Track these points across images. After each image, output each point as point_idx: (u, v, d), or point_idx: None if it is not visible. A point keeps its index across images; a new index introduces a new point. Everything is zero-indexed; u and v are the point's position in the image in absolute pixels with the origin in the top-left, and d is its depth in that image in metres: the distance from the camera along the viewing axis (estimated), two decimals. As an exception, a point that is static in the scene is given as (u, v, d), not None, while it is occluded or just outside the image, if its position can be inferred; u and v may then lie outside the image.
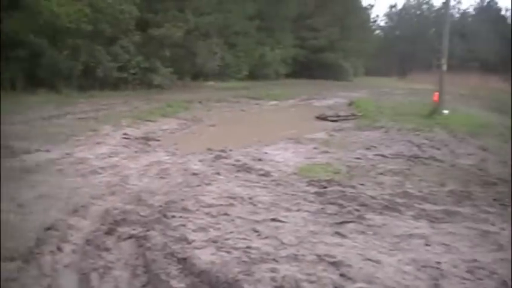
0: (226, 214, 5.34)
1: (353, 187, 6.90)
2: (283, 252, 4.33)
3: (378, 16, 76.97)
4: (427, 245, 4.80)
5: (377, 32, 62.59)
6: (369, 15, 52.24)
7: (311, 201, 6.09)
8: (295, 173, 7.59)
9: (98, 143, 9.01)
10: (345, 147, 10.23)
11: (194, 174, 7.20)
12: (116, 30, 17.14)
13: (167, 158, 8.38)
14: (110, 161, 7.66)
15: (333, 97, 23.32)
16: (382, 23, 64.99)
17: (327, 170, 7.90)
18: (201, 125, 12.67)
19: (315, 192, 6.48)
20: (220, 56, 23.48)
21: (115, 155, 8.13)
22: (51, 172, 6.68)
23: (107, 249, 4.17)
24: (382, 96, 24.89)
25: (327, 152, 9.62)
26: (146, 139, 9.97)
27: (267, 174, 7.37)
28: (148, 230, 4.51)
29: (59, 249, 4.12)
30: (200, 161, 8.27)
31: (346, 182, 7.19)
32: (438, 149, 10.65)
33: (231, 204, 5.71)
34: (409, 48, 59.28)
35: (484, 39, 55.02)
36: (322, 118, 15.16)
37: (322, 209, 5.82)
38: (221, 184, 6.71)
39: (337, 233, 4.97)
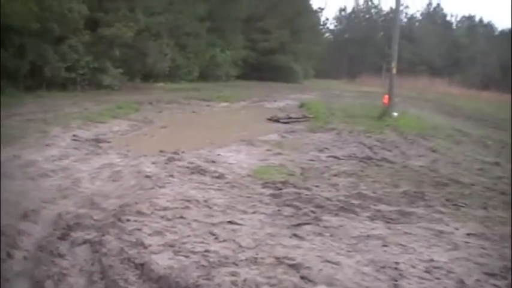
0: (182, 217, 5.27)
1: (308, 189, 6.96)
2: (242, 255, 4.31)
3: (327, 19, 78.23)
4: (384, 245, 4.88)
5: (327, 35, 63.32)
6: (319, 18, 52.84)
7: (267, 204, 6.09)
8: (249, 175, 7.59)
9: (48, 145, 8.73)
10: (297, 149, 10.31)
11: (147, 176, 7.09)
12: (64, 29, 16.64)
13: (119, 160, 8.22)
14: (60, 164, 7.43)
15: (284, 99, 23.43)
16: (331, 26, 65.85)
17: (281, 172, 7.94)
18: (152, 126, 12.49)
19: (271, 194, 6.50)
20: (170, 57, 23.24)
21: (65, 158, 7.91)
22: (-3, 175, 6.43)
23: (61, 255, 4.03)
24: (332, 99, 25.23)
25: (280, 153, 9.67)
26: (97, 141, 9.75)
27: (221, 176, 7.34)
28: (103, 235, 4.39)
29: (9, 256, 3.95)
30: (153, 163, 8.14)
31: (301, 184, 7.24)
32: (389, 150, 10.90)
33: (187, 207, 5.64)
34: (358, 51, 60.35)
35: (430, 44, 56.64)
36: (274, 120, 15.22)
37: (278, 211, 5.83)
38: (175, 187, 6.62)
39: (295, 235, 4.99)
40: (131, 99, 16.44)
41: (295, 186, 7.02)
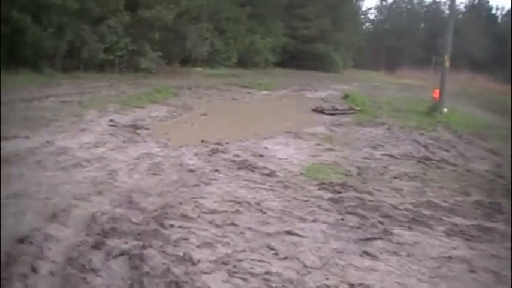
0: (233, 224, 4.55)
1: (370, 193, 6.16)
2: (309, 279, 3.58)
3: (368, 9, 76.42)
4: (472, 271, 4.08)
5: (367, 25, 61.87)
6: (359, 7, 51.54)
7: (327, 210, 5.32)
8: (302, 174, 6.82)
9: (82, 130, 8.09)
10: (349, 145, 9.52)
11: (190, 170, 6.38)
12: (104, 10, 16.03)
13: (159, 150, 7.54)
14: (95, 152, 6.77)
15: (325, 89, 22.58)
16: (371, 16, 64.28)
17: (336, 171, 7.16)
18: (192, 113, 11.80)
19: (330, 199, 5.71)
20: (210, 41, 22.52)
21: (101, 145, 7.25)
22: (29, 164, 5.77)
23: (94, 270, 3.34)
24: (375, 91, 24.26)
25: (331, 149, 8.89)
26: (135, 127, 9.08)
27: (271, 173, 6.58)
28: (144, 247, 3.68)
29: (34, 270, 3.26)
30: (195, 154, 7.45)
31: (360, 186, 6.45)
32: (447, 150, 10.06)
33: (237, 211, 4.91)
34: (397, 43, 58.87)
35: (473, 37, 54.78)
36: (319, 111, 14.39)
37: (341, 220, 5.07)
38: (222, 184, 5.90)
39: (366, 253, 4.23)
40: (169, 84, 15.78)
41: (355, 190, 6.22)
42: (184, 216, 4.54)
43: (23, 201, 4.46)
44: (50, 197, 4.65)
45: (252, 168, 6.81)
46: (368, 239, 4.60)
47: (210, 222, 4.52)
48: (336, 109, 14.58)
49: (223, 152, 7.73)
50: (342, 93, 20.55)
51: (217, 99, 14.98)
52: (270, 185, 6.04)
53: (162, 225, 4.23)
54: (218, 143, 8.43)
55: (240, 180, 6.17)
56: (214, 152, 7.70)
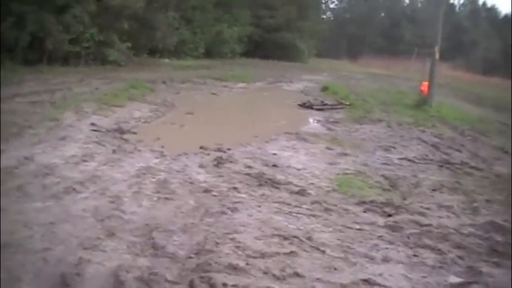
0: (296, 274, 3.48)
1: (422, 214, 5.22)
2: None
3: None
4: None
5: (328, 13, 61.30)
6: (321, -4, 50.79)
7: (391, 243, 4.33)
8: (334, 189, 5.81)
9: (63, 139, 6.79)
10: (359, 147, 8.60)
11: (206, 191, 5.27)
12: (69, -3, 14.51)
13: (157, 161, 6.37)
14: (86, 169, 5.54)
15: (300, 80, 21.68)
16: (332, 5, 63.68)
17: (368, 184, 6.21)
18: (175, 111, 10.60)
19: (386, 226, 4.73)
20: (180, 31, 21.17)
21: (90, 159, 6.01)
22: (9, 192, 4.48)
23: None
24: (348, 81, 23.44)
25: (344, 154, 7.93)
26: (120, 132, 7.86)
27: (301, 192, 5.52)
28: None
29: None
30: (201, 166, 6.33)
31: (405, 204, 5.50)
32: (458, 150, 9.33)
33: (292, 253, 3.83)
34: (358, 31, 58.68)
35: (434, 26, 54.66)
36: (307, 106, 13.38)
37: (414, 256, 4.06)
38: (251, 210, 4.83)
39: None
40: (141, 77, 14.43)
41: (405, 210, 5.27)
42: (232, 268, 3.44)
43: (12, 258, 3.22)
44: (49, 248, 3.43)
45: (274, 184, 5.73)
46: (461, 285, 3.60)
47: (266, 273, 3.45)
48: (325, 104, 13.62)
49: (231, 162, 6.63)
50: (320, 85, 19.67)
51: (196, 94, 13.80)
52: (307, 208, 4.99)
53: (212, 286, 3.08)
54: (219, 149, 7.36)
55: (269, 202, 5.09)
56: (220, 161, 6.58)
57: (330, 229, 4.49)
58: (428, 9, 59.10)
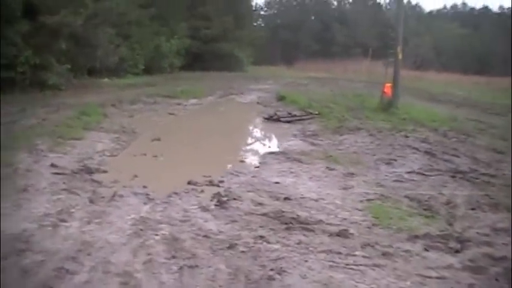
0: None
1: (488, 244, 4.48)
2: None
3: (258, 5, 75.29)
4: None
5: (259, 21, 60.78)
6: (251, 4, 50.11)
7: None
8: (374, 224, 4.88)
9: (25, 191, 5.44)
10: (359, 163, 7.78)
11: (231, 246, 4.17)
12: (-2, 17, 12.84)
13: (147, 208, 5.21)
14: (70, 234, 4.30)
15: (250, 91, 20.74)
16: (262, 12, 63.22)
17: (404, 212, 5.41)
18: (140, 139, 9.36)
19: (465, 267, 3.90)
20: (121, 48, 19.69)
21: (68, 216, 4.75)
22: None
23: None
24: (297, 88, 22.61)
25: (350, 174, 7.07)
26: (88, 171, 6.57)
27: (342, 233, 4.55)
28: None
29: None
30: (203, 209, 5.23)
31: (459, 233, 4.67)
32: (456, 156, 8.75)
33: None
34: (291, 36, 58.39)
35: (363, 26, 55.66)
36: (275, 119, 12.40)
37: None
38: (300, 267, 3.88)
39: None
40: (88, 101, 12.99)
41: (468, 241, 4.40)
42: None
43: None
44: None
45: (303, 225, 4.73)
46: None
47: None
48: (293, 115, 12.66)
49: (234, 199, 5.58)
50: (272, 94, 18.83)
51: (152, 116, 12.55)
52: (363, 256, 4.05)
53: None
54: (211, 183, 6.35)
55: (314, 253, 4.10)
56: (221, 201, 5.53)
57: (408, 283, 3.54)
58: (357, 10, 59.86)
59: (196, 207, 5.28)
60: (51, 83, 14.47)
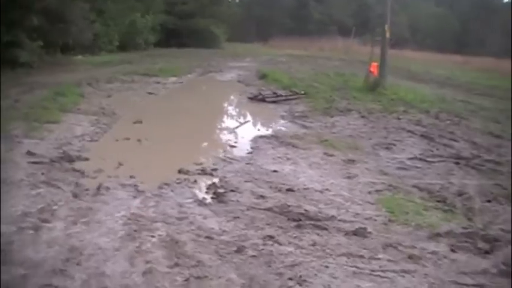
0: None
1: None
2: None
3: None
4: None
5: (233, -4, 59.55)
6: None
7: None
8: (390, 220, 4.47)
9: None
10: (357, 148, 7.43)
11: (239, 250, 3.70)
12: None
13: (137, 202, 4.70)
14: (54, 238, 3.76)
15: (229, 68, 20.11)
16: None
17: (419, 205, 5.02)
18: (120, 121, 8.75)
19: (501, 272, 3.54)
20: (95, 24, 18.81)
21: (50, 216, 4.20)
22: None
23: None
24: (277, 66, 22.02)
25: (351, 161, 6.70)
26: (68, 159, 5.99)
27: (359, 232, 4.13)
28: None
29: None
30: (200, 204, 4.76)
31: (484, 231, 4.37)
32: (454, 140, 8.53)
33: None
34: (266, 13, 57.53)
35: (339, 4, 55.20)
36: (260, 99, 11.89)
37: None
38: (321, 274, 3.47)
39: None
40: (63, 81, 12.25)
41: (496, 241, 4.06)
42: None
43: None
44: None
45: (314, 222, 4.29)
46: None
47: None
48: (279, 95, 12.15)
49: (232, 191, 5.14)
50: (252, 72, 18.28)
51: (131, 95, 11.89)
52: (388, 260, 3.63)
53: None
54: (203, 171, 5.86)
55: (333, 256, 3.65)
56: (218, 193, 5.05)
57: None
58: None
59: (191, 200, 4.79)
60: (22, 60, 13.61)
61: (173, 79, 15.54)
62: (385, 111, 10.69)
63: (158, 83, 14.44)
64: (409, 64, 27.76)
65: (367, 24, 55.56)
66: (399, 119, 10.04)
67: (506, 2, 55.47)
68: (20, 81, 11.53)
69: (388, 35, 14.07)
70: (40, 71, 13.96)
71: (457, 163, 6.82)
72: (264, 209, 4.54)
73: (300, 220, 4.29)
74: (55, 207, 4.37)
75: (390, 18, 14.53)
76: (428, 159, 6.97)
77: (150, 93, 12.47)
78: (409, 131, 8.85)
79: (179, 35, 32.33)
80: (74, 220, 4.08)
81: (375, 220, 4.38)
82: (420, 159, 6.94)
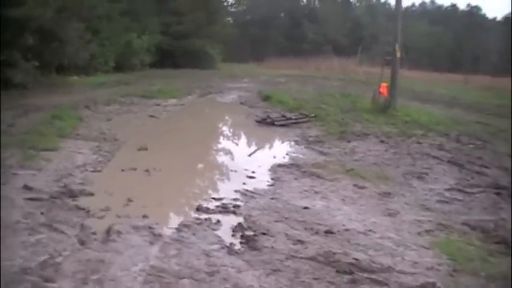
0: None
1: None
2: None
3: (227, 0, 73.72)
4: None
5: (229, 18, 59.30)
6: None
7: None
8: (455, 269, 3.89)
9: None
10: (387, 178, 6.77)
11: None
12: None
13: (156, 251, 4.05)
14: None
15: (228, 90, 19.55)
16: (231, 9, 61.72)
17: (479, 248, 4.39)
18: (124, 148, 8.07)
19: None
20: (93, 44, 18.16)
21: (54, 272, 3.49)
22: None
23: None
24: (277, 86, 21.50)
25: (386, 194, 6.05)
26: (70, 195, 5.30)
27: (426, 287, 3.33)
28: None
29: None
30: (229, 251, 4.14)
31: None
32: (485, 166, 7.91)
33: None
34: (261, 33, 57.37)
35: (334, 24, 55.10)
36: (269, 123, 11.22)
37: None
38: None
39: None
40: (59, 103, 11.57)
41: None
42: None
43: None
44: None
45: (372, 277, 3.60)
46: None
47: None
48: (289, 118, 11.51)
49: (264, 234, 4.45)
50: (254, 93, 17.74)
51: (132, 119, 11.22)
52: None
53: None
54: (224, 208, 5.28)
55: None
56: (246, 237, 4.41)
57: None
58: (326, 7, 59.11)
59: (218, 247, 4.11)
60: (17, 81, 12.93)
61: (173, 101, 14.94)
62: (403, 134, 10.12)
63: (158, 105, 13.81)
64: (409, 83, 27.32)
65: (362, 43, 55.47)
66: (420, 143, 9.47)
67: (499, 21, 55.63)
68: (14, 104, 10.81)
69: (398, 54, 13.49)
70: (35, 93, 13.27)
71: (498, 194, 6.22)
72: (306, 258, 3.86)
73: (353, 273, 3.61)
74: (59, 259, 3.66)
75: (385, 38, 14.05)
76: (466, 189, 6.38)
77: (151, 116, 11.83)
78: (434, 157, 8.27)
79: (174, 55, 31.80)
80: (84, 278, 3.39)
81: (438, 270, 3.71)
82: (458, 190, 6.33)
